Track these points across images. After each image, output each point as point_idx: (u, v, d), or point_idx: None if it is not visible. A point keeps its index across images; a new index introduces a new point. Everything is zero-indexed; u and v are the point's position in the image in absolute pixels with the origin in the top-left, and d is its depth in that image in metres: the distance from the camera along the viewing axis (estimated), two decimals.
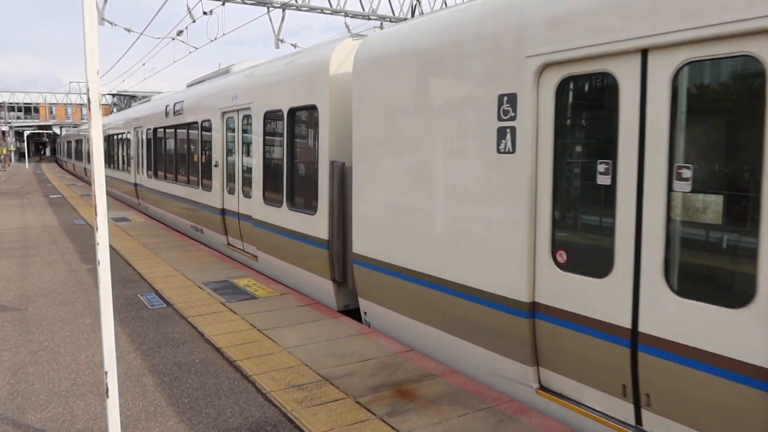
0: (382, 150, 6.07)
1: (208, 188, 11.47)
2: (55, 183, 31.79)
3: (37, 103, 77.45)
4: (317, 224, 7.32)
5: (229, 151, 10.60)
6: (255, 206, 9.15)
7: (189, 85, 14.77)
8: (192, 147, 12.75)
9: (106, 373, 3.56)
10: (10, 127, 63.13)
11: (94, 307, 7.23)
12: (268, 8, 19.03)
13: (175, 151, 14.18)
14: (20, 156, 71.74)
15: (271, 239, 8.67)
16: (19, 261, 10.10)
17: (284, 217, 8.21)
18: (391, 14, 21.48)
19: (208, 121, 11.32)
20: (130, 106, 27.98)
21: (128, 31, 19.00)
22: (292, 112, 8.00)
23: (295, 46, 20.87)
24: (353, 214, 6.60)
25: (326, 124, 7.11)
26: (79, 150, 37.47)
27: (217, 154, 10.93)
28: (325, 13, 20.39)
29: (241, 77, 10.10)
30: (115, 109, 41.42)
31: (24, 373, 5.19)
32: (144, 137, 16.99)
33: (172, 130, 14.20)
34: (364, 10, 20.88)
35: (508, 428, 4.15)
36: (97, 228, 3.43)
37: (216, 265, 9.60)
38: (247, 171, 9.70)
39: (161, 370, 5.23)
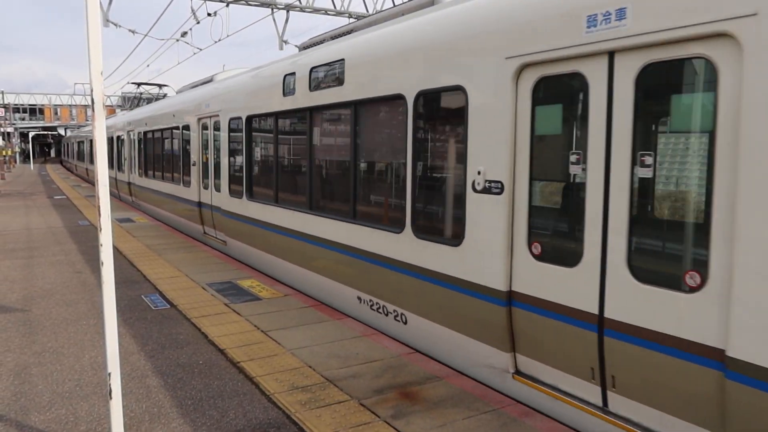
0: None
1: (432, 235, 5.57)
2: (59, 184, 31.88)
3: (42, 105, 77.73)
4: None
5: (566, 160, 4.28)
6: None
7: (305, 47, 8.66)
8: (372, 149, 6.83)
9: (109, 374, 3.56)
10: (15, 129, 63.40)
11: (98, 308, 7.24)
12: (272, 9, 19.08)
13: (309, 155, 7.78)
14: (25, 157, 72.07)
15: None
16: (24, 262, 10.12)
17: None
18: None
19: (459, 90, 5.06)
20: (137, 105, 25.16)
21: (132, 32, 19.07)
22: None
23: (299, 48, 20.79)
24: None
25: None
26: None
27: (500, 164, 4.66)
28: (329, 14, 20.44)
29: None
30: (118, 110, 40.59)
31: (28, 374, 5.20)
32: (221, 133, 10.85)
33: (306, 116, 7.78)
34: (368, 11, 20.90)
35: (512, 431, 4.13)
36: (100, 229, 3.42)
37: (220, 267, 9.60)
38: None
39: (165, 372, 5.23)
